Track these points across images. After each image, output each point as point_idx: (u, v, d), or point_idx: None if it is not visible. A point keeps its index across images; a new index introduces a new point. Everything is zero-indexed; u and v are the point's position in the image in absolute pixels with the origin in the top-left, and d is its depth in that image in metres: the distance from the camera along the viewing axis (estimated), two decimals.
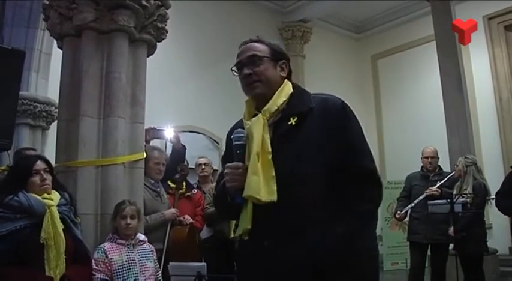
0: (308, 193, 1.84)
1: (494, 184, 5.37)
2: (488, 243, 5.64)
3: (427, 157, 5.93)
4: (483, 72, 9.73)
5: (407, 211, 5.79)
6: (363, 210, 1.87)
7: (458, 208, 5.20)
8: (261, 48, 2.05)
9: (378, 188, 1.94)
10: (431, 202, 5.45)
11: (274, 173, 1.87)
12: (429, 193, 5.60)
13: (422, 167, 6.02)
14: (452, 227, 5.31)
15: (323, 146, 1.87)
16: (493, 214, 6.57)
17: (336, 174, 1.87)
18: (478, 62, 9.76)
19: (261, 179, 1.86)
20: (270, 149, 1.90)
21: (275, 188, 1.85)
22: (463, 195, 5.32)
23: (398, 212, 5.84)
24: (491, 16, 9.81)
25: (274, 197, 1.84)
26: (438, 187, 5.62)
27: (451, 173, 5.87)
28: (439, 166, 6.00)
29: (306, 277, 1.80)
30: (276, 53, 2.07)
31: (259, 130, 1.93)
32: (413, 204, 5.70)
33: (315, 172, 1.86)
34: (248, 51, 2.04)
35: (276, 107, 1.96)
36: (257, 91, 2.01)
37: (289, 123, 1.93)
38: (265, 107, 1.98)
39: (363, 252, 1.85)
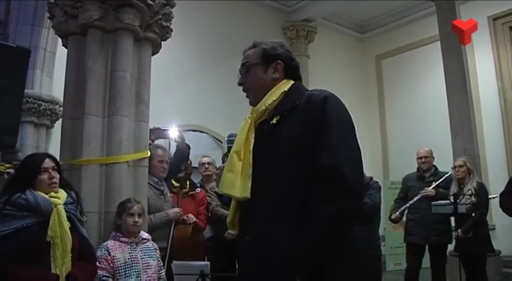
0: (282, 192, 1.84)
1: (498, 184, 5.37)
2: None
3: (420, 157, 6.02)
4: (488, 73, 9.69)
5: (402, 212, 5.81)
6: (323, 216, 1.74)
7: (462, 209, 5.20)
8: (251, 56, 2.10)
9: (341, 189, 1.75)
10: (434, 202, 5.46)
11: (251, 172, 1.91)
12: (424, 194, 5.66)
13: (418, 168, 6.08)
14: (459, 229, 5.30)
15: (300, 144, 1.85)
16: (496, 215, 6.56)
17: (311, 173, 1.82)
18: (482, 62, 9.73)
19: (237, 177, 1.91)
20: (251, 148, 1.95)
21: (249, 185, 1.89)
22: (467, 195, 5.33)
23: (393, 213, 5.84)
24: (496, 17, 9.77)
25: (247, 194, 1.89)
26: (434, 188, 5.67)
27: (446, 173, 5.91)
28: (434, 166, 6.05)
29: (283, 275, 1.79)
30: (267, 56, 2.07)
31: (244, 130, 2.00)
32: (408, 204, 5.74)
33: (290, 171, 1.85)
34: (243, 60, 2.12)
35: (264, 107, 1.98)
36: (250, 100, 2.10)
37: (271, 122, 1.95)
38: (255, 108, 2.03)
39: (362, 251, 1.85)
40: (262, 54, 2.07)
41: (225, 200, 2.08)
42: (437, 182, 5.73)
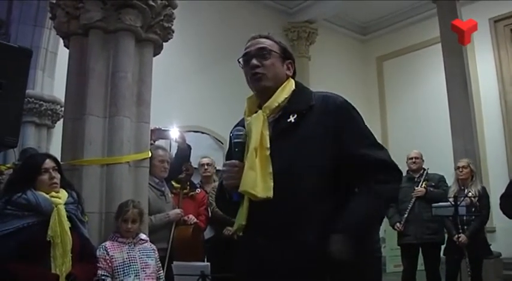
0: (305, 191, 1.83)
1: (498, 186, 5.36)
2: (491, 246, 5.64)
3: (411, 158, 6.14)
4: (489, 75, 9.69)
5: (404, 220, 5.84)
6: (384, 190, 1.86)
7: (462, 211, 5.20)
8: (270, 44, 2.06)
9: (395, 172, 1.94)
10: (434, 204, 5.47)
11: (271, 170, 1.86)
12: (417, 195, 5.78)
13: (407, 170, 6.16)
14: (462, 234, 5.27)
15: (322, 144, 1.87)
16: (496, 217, 6.57)
17: (337, 171, 1.86)
18: (483, 64, 9.73)
19: (258, 175, 1.85)
20: (268, 145, 1.90)
21: (271, 184, 1.84)
22: (469, 197, 5.33)
23: (397, 224, 5.88)
24: (497, 19, 9.76)
25: (270, 194, 1.83)
26: (423, 187, 5.80)
27: (435, 174, 6.04)
28: (423, 168, 6.11)
29: (299, 276, 1.80)
30: (284, 51, 2.08)
31: (258, 126, 1.92)
32: (406, 215, 5.81)
33: (312, 170, 1.85)
34: (257, 44, 2.05)
35: (277, 104, 1.96)
36: (262, 83, 2.00)
37: (289, 120, 1.92)
38: (266, 104, 1.98)
39: (366, 253, 1.85)
40: (281, 49, 2.08)
41: (235, 198, 1.96)
42: (422, 179, 5.88)
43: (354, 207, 1.82)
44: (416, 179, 5.99)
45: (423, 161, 6.17)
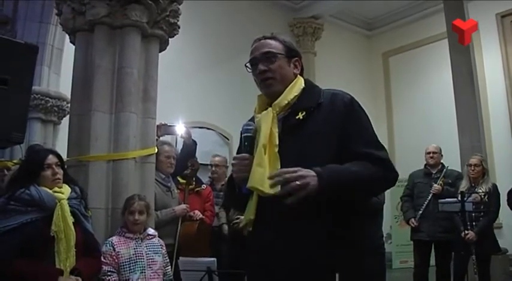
0: None
1: (505, 183, 5.34)
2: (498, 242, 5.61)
3: (429, 152, 6.08)
4: (495, 71, 9.61)
5: (419, 216, 5.81)
6: (377, 173, 1.86)
7: (469, 207, 5.17)
8: (275, 45, 2.06)
9: (394, 176, 1.93)
10: (441, 200, 5.44)
11: (279, 167, 1.87)
12: (434, 192, 5.71)
13: (425, 165, 6.11)
14: (470, 231, 5.25)
15: (330, 140, 1.89)
16: (503, 213, 6.55)
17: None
18: (490, 60, 9.65)
19: (266, 171, 1.86)
20: (277, 142, 1.92)
21: None
22: (476, 193, 5.30)
23: (412, 220, 5.84)
24: (504, 14, 9.67)
25: (278, 190, 1.83)
26: (440, 185, 5.72)
27: (453, 171, 5.98)
28: (442, 164, 6.06)
29: (306, 271, 1.81)
30: (290, 51, 2.08)
31: (267, 123, 1.94)
32: (421, 211, 5.77)
33: (320, 165, 1.84)
34: (262, 48, 2.05)
35: (286, 102, 1.98)
36: (273, 89, 2.02)
37: (297, 117, 1.94)
38: (276, 102, 1.99)
39: (369, 249, 1.87)
40: (287, 48, 2.07)
41: (244, 191, 1.97)
42: (441, 177, 5.80)
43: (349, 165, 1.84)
44: (433, 174, 5.93)
45: (442, 156, 6.11)
